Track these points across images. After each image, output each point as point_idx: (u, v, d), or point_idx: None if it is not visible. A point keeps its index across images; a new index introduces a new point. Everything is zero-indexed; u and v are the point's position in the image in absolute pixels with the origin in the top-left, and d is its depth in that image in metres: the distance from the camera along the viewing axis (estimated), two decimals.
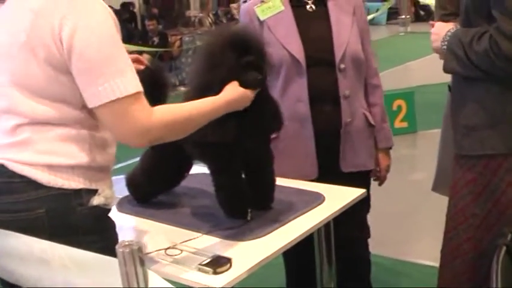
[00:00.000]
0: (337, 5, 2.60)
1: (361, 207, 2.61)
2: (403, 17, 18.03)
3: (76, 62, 1.55)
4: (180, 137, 1.78)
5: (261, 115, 2.09)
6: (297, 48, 2.52)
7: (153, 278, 1.28)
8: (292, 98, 2.56)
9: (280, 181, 2.33)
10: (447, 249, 2.15)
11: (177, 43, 11.74)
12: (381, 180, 2.82)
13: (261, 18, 2.58)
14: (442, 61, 2.08)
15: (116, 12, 1.54)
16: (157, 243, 1.97)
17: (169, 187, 2.46)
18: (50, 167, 1.60)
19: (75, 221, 1.61)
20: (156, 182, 2.36)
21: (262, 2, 2.58)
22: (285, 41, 2.53)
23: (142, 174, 2.34)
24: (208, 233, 2.05)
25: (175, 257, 1.89)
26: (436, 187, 2.75)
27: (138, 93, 1.59)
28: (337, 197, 2.30)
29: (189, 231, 2.09)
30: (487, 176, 2.00)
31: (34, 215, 1.57)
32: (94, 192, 1.65)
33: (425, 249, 4.12)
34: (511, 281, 1.82)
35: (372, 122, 2.70)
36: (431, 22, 2.18)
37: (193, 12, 15.58)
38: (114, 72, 1.55)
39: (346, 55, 2.54)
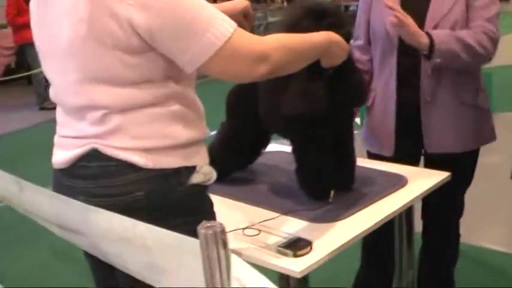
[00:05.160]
0: None
1: (460, 184, 2.57)
2: None
3: (161, 39, 1.47)
4: (296, 67, 1.68)
5: (349, 86, 2.03)
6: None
7: (236, 262, 1.22)
8: (387, 72, 2.51)
9: (360, 161, 2.25)
10: None
11: None
12: None
13: None
14: None
15: None
16: (234, 223, 1.92)
17: (246, 163, 2.41)
18: (147, 151, 1.53)
19: (175, 201, 1.56)
20: (232, 157, 2.31)
21: None
22: (385, 14, 2.40)
23: (219, 149, 2.29)
24: (286, 213, 1.98)
25: (253, 237, 1.84)
26: None
27: (236, 28, 1.52)
28: (420, 180, 2.20)
29: (266, 210, 2.03)
30: None
31: (132, 198, 1.52)
32: (192, 169, 1.59)
33: (499, 236, 3.98)
34: None
35: (468, 101, 2.52)
36: None
37: None
38: (205, 25, 1.47)
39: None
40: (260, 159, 2.42)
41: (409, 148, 2.55)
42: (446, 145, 2.52)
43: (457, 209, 2.77)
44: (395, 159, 2.51)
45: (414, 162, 2.56)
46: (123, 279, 1.62)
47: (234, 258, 1.22)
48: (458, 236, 2.85)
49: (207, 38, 1.47)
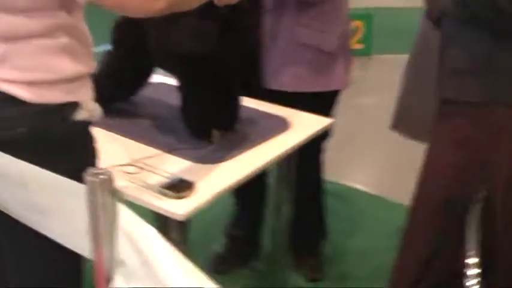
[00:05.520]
0: None
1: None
2: None
3: None
4: (191, 3, 1.62)
5: (241, 28, 1.99)
6: None
7: (122, 211, 1.18)
8: None
9: (244, 101, 2.23)
10: (419, 195, 2.10)
11: None
12: None
13: None
14: None
15: None
16: (115, 158, 1.87)
17: (129, 94, 2.33)
18: (31, 84, 1.43)
19: (57, 138, 1.47)
20: (115, 88, 2.22)
21: None
22: None
23: (102, 79, 2.18)
24: (169, 151, 1.95)
25: (135, 175, 1.79)
26: (397, 126, 2.69)
27: None
28: (304, 125, 2.22)
29: (148, 146, 1.99)
30: (470, 127, 1.93)
31: (14, 133, 1.42)
32: (77, 105, 1.51)
33: (366, 176, 4.14)
34: (480, 241, 1.78)
35: (309, 42, 2.47)
36: None
37: None
38: None
39: None
40: (143, 91, 2.35)
41: (252, 81, 2.51)
42: (282, 82, 2.49)
43: (316, 150, 2.76)
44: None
45: (259, 97, 2.46)
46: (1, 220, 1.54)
47: (120, 206, 1.18)
48: (319, 177, 2.90)
49: None
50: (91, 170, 1.14)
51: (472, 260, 1.65)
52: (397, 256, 2.18)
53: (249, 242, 3.04)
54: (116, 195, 1.16)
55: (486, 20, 1.79)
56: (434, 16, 2.16)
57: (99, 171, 1.14)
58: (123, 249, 1.20)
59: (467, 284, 1.83)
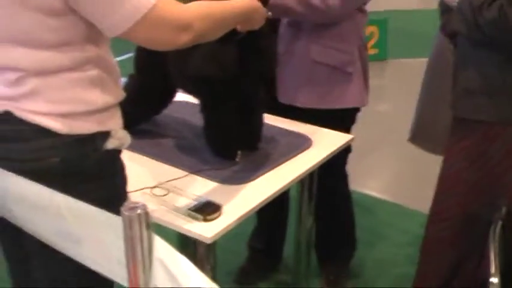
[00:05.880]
0: None
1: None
2: None
3: (84, 2, 1.42)
4: (217, 34, 1.66)
5: (259, 50, 2.01)
6: None
7: (159, 243, 1.23)
8: None
9: (266, 119, 2.27)
10: (436, 210, 2.14)
11: None
12: None
13: None
14: None
15: None
16: (142, 180, 1.91)
17: (153, 115, 2.37)
18: (63, 116, 1.48)
19: (89, 167, 1.52)
20: (139, 110, 2.25)
21: None
22: None
23: (126, 102, 2.24)
24: (194, 172, 1.99)
25: (162, 198, 1.84)
26: (414, 139, 2.72)
27: None
28: (325, 142, 2.26)
29: (173, 168, 2.03)
30: (484, 144, 1.97)
31: (47, 164, 1.47)
32: (107, 134, 1.56)
33: (383, 184, 4.17)
34: (503, 257, 1.80)
35: (323, 60, 2.47)
36: None
37: None
38: None
39: None
40: (166, 109, 2.40)
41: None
42: (298, 98, 2.51)
43: (340, 163, 2.77)
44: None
45: (275, 111, 2.49)
46: (31, 242, 1.58)
47: (157, 239, 1.23)
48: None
49: (131, 4, 1.42)
50: (127, 204, 1.18)
51: (494, 278, 1.67)
52: (417, 271, 2.21)
53: (271, 254, 3.09)
54: (151, 227, 1.20)
55: (500, 42, 1.83)
56: (449, 32, 2.20)
57: (136, 205, 1.18)
58: (158, 276, 1.24)
59: None
